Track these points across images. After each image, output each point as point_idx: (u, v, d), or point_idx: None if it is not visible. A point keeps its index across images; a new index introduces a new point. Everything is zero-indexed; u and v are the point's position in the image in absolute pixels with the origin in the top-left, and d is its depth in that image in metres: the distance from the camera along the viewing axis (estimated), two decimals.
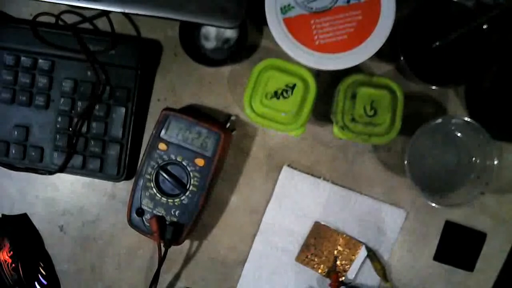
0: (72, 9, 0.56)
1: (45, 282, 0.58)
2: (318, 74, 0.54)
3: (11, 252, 0.58)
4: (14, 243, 0.58)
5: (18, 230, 0.59)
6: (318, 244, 0.56)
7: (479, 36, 0.49)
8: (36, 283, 0.58)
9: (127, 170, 0.57)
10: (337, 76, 0.52)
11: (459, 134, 0.54)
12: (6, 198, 0.60)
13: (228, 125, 0.57)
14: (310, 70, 0.49)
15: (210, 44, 0.56)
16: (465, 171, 0.53)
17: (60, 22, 0.56)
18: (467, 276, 0.56)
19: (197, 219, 0.55)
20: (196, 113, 0.57)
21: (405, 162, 0.50)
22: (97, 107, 0.57)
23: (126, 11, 0.49)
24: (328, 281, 0.56)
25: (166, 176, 0.54)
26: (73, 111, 0.57)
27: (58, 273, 0.60)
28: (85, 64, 0.56)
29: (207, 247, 0.58)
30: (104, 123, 0.57)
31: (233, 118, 0.57)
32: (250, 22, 0.55)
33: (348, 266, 0.56)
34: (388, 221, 0.56)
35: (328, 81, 0.56)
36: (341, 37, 0.46)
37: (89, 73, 0.56)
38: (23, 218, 0.60)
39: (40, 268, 0.58)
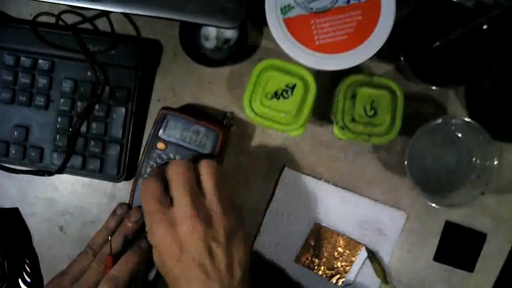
0: (72, 9, 0.56)
1: (29, 280, 0.57)
2: (318, 74, 0.54)
3: None
4: (1, 238, 0.57)
5: (7, 224, 0.58)
6: (318, 245, 0.56)
7: (479, 36, 0.49)
8: (19, 280, 0.57)
9: (127, 170, 0.57)
10: (337, 76, 0.52)
11: (459, 134, 0.53)
12: (6, 198, 0.60)
13: (224, 121, 0.57)
14: (310, 70, 0.49)
15: (210, 44, 0.56)
16: (465, 171, 0.53)
17: (60, 22, 0.56)
18: (467, 276, 0.56)
19: None
20: (194, 112, 0.57)
21: (405, 162, 0.50)
22: (97, 107, 0.57)
23: (126, 11, 0.49)
24: (328, 282, 0.56)
25: None
26: (73, 111, 0.57)
27: None
28: (85, 64, 0.56)
29: None
30: (104, 123, 0.57)
31: (228, 114, 0.57)
32: (250, 22, 0.55)
33: (349, 267, 0.56)
34: (388, 223, 0.56)
35: (328, 81, 0.56)
36: (341, 37, 0.46)
37: (89, 73, 0.56)
38: (14, 213, 0.59)
39: (26, 265, 0.57)
